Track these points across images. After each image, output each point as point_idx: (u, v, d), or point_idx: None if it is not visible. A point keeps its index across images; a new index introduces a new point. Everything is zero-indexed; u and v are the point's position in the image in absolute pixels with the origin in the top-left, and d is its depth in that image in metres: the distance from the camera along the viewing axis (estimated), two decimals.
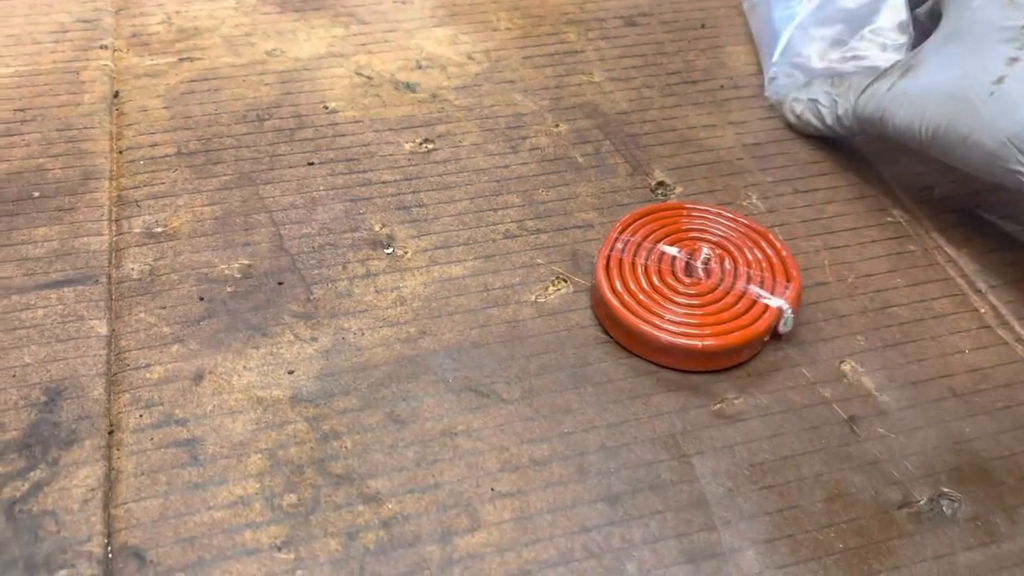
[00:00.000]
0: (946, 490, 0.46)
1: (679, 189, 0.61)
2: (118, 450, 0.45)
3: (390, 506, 0.44)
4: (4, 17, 0.71)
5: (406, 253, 0.56)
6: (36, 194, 0.57)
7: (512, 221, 0.58)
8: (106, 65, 0.67)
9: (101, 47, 0.69)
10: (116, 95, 0.65)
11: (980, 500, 0.46)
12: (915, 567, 0.43)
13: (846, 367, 0.51)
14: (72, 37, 0.69)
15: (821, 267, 0.57)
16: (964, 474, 0.47)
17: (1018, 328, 0.54)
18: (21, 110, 0.63)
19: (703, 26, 0.76)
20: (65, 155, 0.60)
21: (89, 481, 0.43)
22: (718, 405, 0.49)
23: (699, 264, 0.53)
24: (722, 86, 0.70)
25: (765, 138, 0.65)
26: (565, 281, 0.55)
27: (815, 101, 0.62)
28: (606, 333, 0.52)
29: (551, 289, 0.54)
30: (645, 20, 0.76)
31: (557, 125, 0.65)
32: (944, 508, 0.45)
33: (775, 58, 0.66)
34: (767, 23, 0.68)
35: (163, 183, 0.59)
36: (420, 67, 0.70)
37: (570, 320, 0.53)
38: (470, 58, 0.71)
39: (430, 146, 0.63)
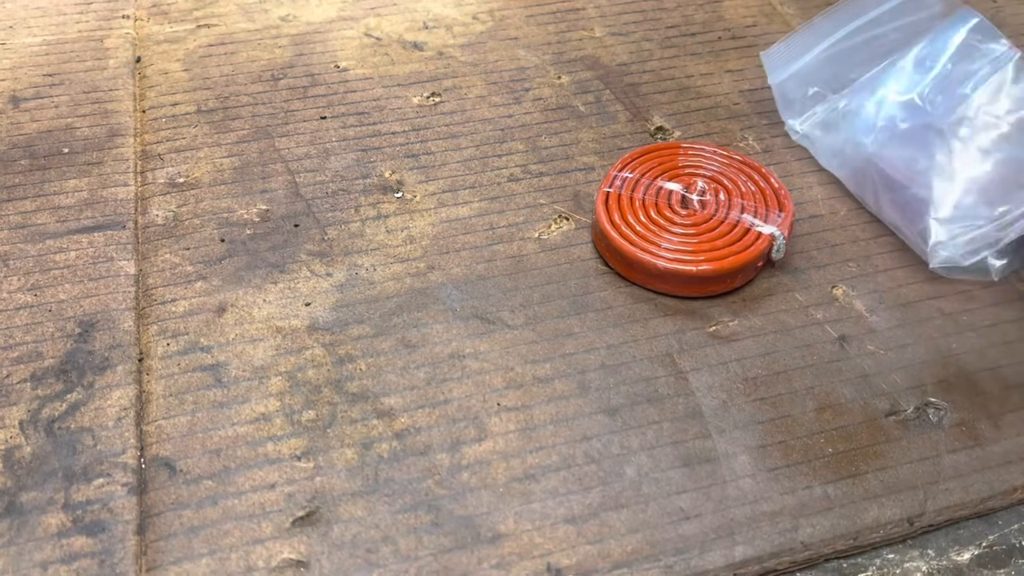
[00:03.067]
0: (933, 400, 0.48)
1: (677, 133, 0.63)
2: (148, 374, 0.48)
3: (403, 420, 0.46)
4: None
5: (415, 197, 0.58)
6: (66, 150, 0.60)
7: (516, 166, 0.61)
8: (128, 33, 0.71)
9: (123, 16, 0.72)
10: (138, 60, 0.68)
11: (966, 408, 0.48)
12: (901, 468, 0.45)
13: (838, 291, 0.53)
14: (96, 8, 0.73)
15: (815, 201, 0.59)
16: (951, 385, 0.49)
17: None
18: (50, 75, 0.66)
19: None
20: (92, 115, 0.63)
21: (122, 401, 0.47)
22: (713, 327, 0.51)
23: (695, 196, 0.55)
24: (719, 37, 0.72)
25: (761, 83, 0.67)
26: (567, 219, 0.57)
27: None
28: (606, 264, 0.54)
29: (553, 227, 0.57)
30: None
31: (559, 77, 0.68)
32: (931, 416, 0.47)
33: (940, 215, 0.52)
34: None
35: (184, 138, 0.62)
36: (427, 27, 0.72)
37: (572, 254, 0.55)
38: (475, 18, 0.73)
39: (437, 99, 0.66)
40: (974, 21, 0.55)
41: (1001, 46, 0.53)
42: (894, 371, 0.49)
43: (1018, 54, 0.53)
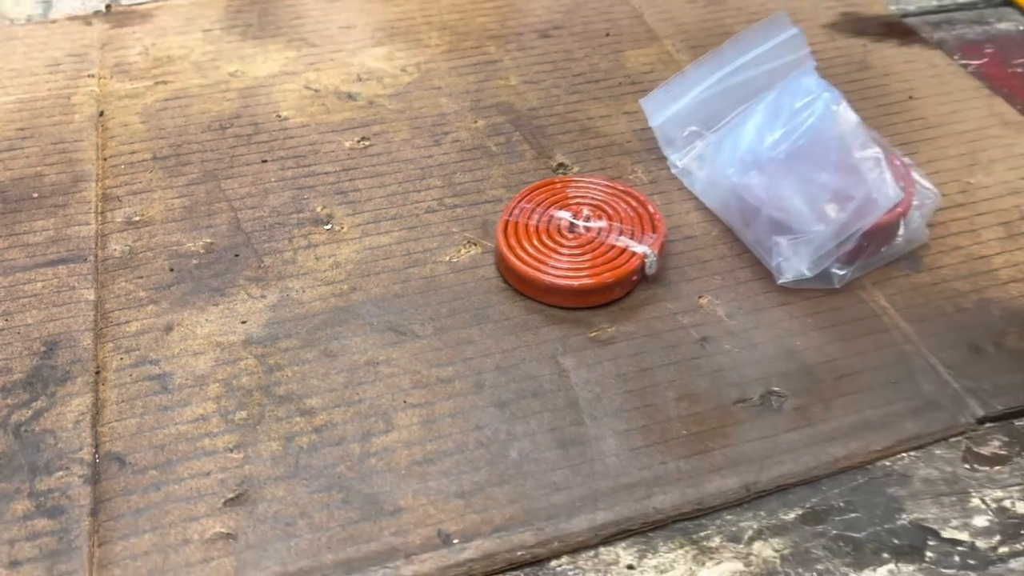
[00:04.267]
0: (776, 389, 0.56)
1: (576, 168, 0.72)
2: (103, 384, 0.56)
3: (321, 417, 0.54)
4: (7, 55, 0.83)
5: (342, 228, 0.67)
6: (35, 195, 0.69)
7: (433, 199, 0.69)
8: (93, 90, 0.79)
9: (89, 76, 0.81)
10: (101, 114, 0.77)
11: (803, 395, 0.56)
12: (743, 445, 0.53)
13: (703, 300, 0.62)
14: (64, 69, 0.82)
15: (691, 224, 0.68)
16: (792, 377, 0.57)
17: None
18: (22, 129, 0.75)
19: (608, 35, 0.88)
20: (59, 163, 0.71)
21: (80, 408, 0.54)
22: (594, 332, 0.60)
23: (580, 223, 0.64)
24: (620, 83, 0.81)
25: None
26: (475, 245, 0.66)
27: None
28: (505, 282, 0.63)
29: (463, 251, 0.65)
30: (557, 32, 0.88)
31: (476, 121, 0.77)
32: (773, 402, 0.56)
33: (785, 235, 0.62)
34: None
35: (140, 182, 0.70)
36: (360, 79, 0.81)
37: (477, 274, 0.64)
38: (403, 70, 0.82)
39: (366, 143, 0.74)
40: (813, 75, 0.64)
41: (827, 91, 0.63)
42: (746, 366, 0.58)
43: (839, 101, 0.63)
